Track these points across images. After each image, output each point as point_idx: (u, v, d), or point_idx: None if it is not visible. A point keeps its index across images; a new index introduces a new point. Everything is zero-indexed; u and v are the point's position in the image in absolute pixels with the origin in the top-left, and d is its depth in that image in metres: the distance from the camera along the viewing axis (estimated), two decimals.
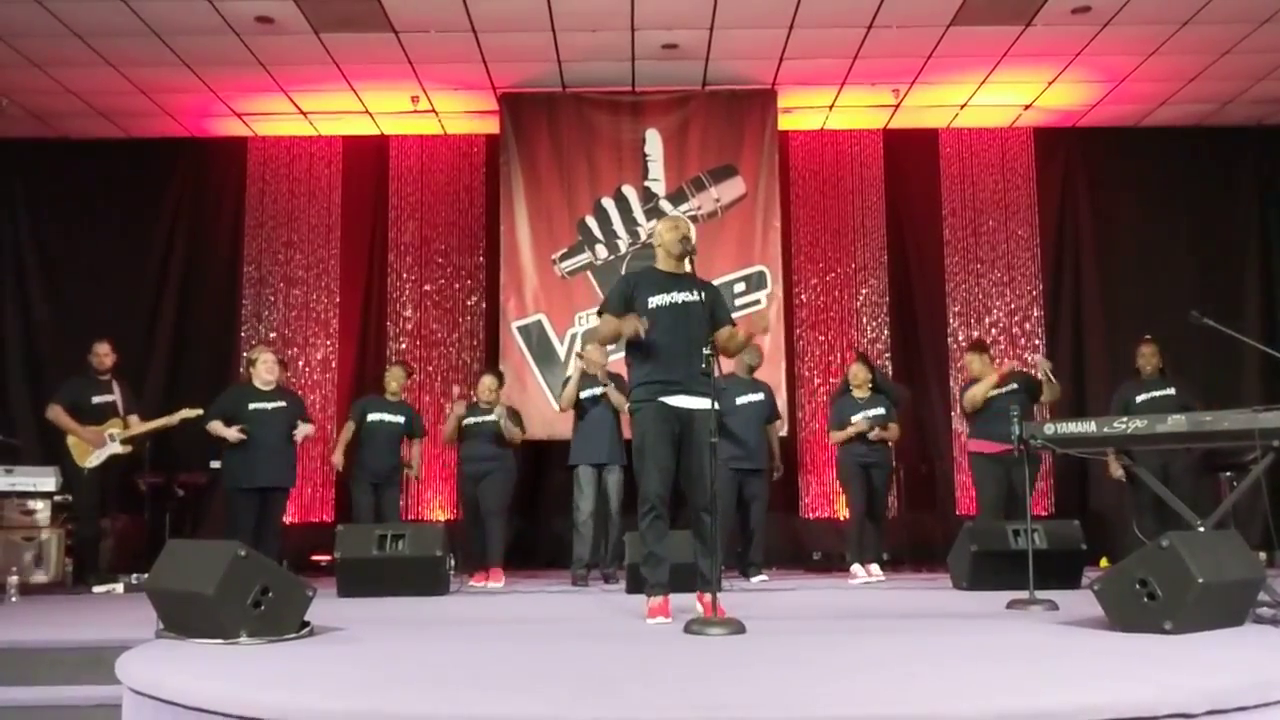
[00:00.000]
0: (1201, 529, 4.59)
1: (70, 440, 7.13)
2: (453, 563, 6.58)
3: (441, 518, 9.08)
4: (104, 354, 7.33)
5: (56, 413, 7.15)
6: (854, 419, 7.31)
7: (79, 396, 7.21)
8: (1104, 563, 7.90)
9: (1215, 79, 8.62)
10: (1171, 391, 7.16)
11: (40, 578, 7.19)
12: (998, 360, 7.87)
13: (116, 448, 7.18)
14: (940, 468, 9.32)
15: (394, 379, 7.70)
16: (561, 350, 9.02)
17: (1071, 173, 9.77)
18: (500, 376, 7.67)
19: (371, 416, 7.51)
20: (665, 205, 9.14)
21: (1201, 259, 9.43)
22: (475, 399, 7.43)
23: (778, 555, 8.67)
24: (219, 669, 3.17)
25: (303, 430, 7.18)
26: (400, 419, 7.57)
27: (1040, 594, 5.00)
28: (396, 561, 6.09)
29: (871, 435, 7.28)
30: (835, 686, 2.82)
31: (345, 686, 2.90)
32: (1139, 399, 7.20)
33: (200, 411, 7.12)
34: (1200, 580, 3.66)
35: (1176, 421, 4.75)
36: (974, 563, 6.16)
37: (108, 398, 7.28)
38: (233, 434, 6.87)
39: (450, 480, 9.12)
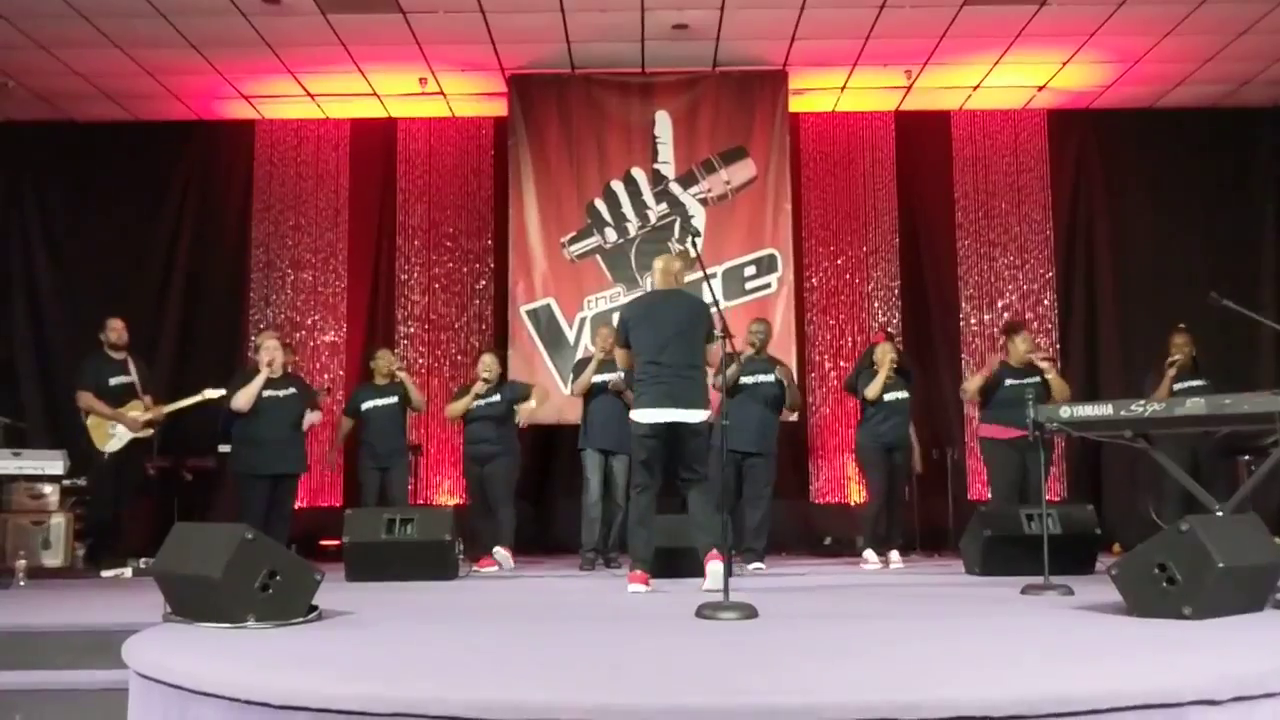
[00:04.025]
0: (1220, 513, 4.54)
1: (90, 422, 6.99)
2: (461, 547, 6.56)
3: (450, 502, 9.05)
4: (120, 329, 7.18)
5: (88, 399, 6.98)
6: (885, 397, 7.20)
7: (98, 379, 7.06)
8: (1116, 548, 7.84)
9: (1232, 59, 8.51)
10: (1205, 382, 7.04)
11: (49, 561, 7.16)
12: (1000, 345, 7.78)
13: (139, 431, 7.11)
14: (952, 453, 9.26)
15: (382, 361, 7.74)
16: (570, 334, 8.99)
17: (1085, 155, 9.68)
18: (502, 350, 7.66)
19: (365, 405, 7.63)
20: (675, 188, 9.08)
21: (1216, 242, 9.33)
22: (478, 378, 7.40)
23: (788, 540, 8.63)
24: (226, 653, 3.13)
25: (309, 419, 7.15)
26: (394, 399, 7.62)
27: (1054, 579, 4.95)
28: (405, 546, 6.05)
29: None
30: (851, 671, 2.77)
31: (354, 670, 2.87)
32: (1175, 387, 7.07)
33: (224, 391, 7.08)
34: (1220, 565, 3.60)
35: (1195, 404, 4.70)
36: (987, 548, 6.11)
37: (125, 379, 7.14)
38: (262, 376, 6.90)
39: (459, 464, 9.09)
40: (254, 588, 3.66)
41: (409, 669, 2.89)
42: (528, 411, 7.40)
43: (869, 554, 7.14)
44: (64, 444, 7.32)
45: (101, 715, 3.59)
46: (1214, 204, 9.41)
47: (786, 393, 7.11)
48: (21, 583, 6.10)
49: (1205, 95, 9.26)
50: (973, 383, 7.24)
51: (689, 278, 6.08)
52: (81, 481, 7.37)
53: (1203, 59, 8.55)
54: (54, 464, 6.94)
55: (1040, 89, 9.24)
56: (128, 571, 6.81)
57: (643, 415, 5.33)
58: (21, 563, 6.31)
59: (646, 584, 5.17)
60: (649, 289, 8.85)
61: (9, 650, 3.97)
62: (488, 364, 7.44)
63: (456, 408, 7.45)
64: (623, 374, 7.24)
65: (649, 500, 5.36)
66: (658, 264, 5.71)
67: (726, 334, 5.14)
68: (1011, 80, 9.07)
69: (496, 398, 7.34)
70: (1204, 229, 9.38)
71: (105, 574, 6.78)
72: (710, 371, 5.55)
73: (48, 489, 7.34)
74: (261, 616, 3.64)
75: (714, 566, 5.00)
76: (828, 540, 8.87)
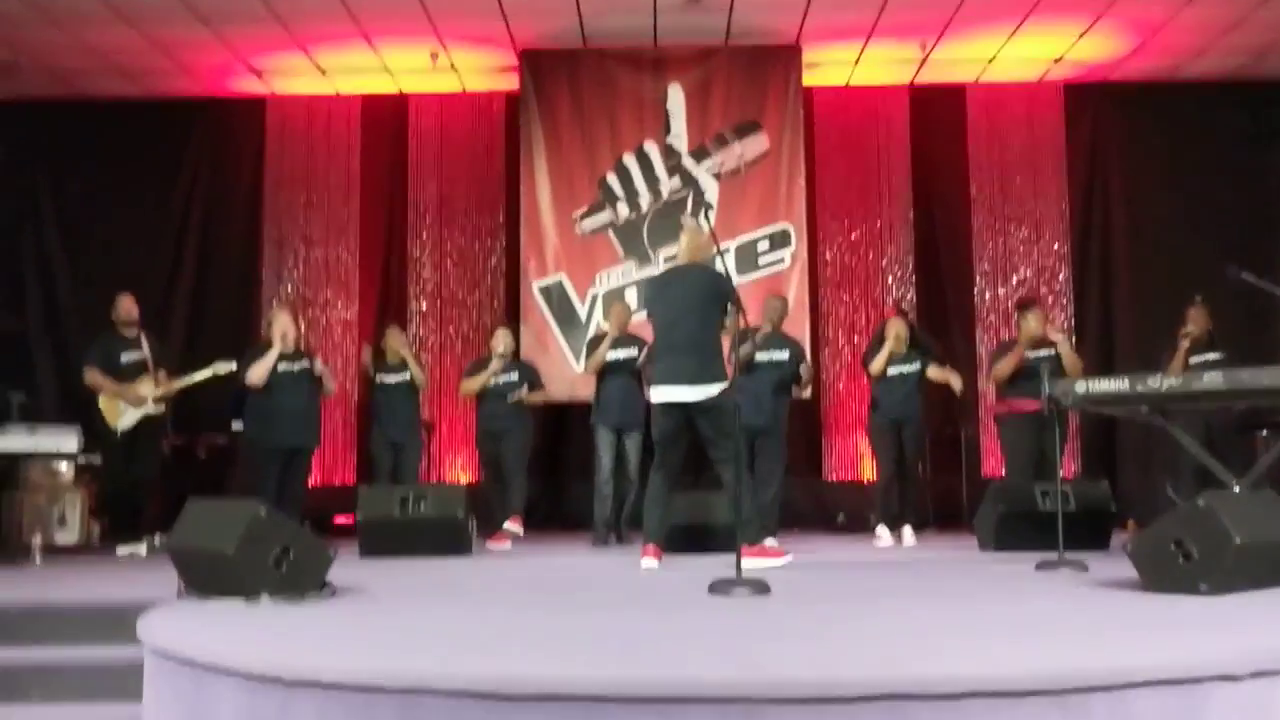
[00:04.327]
0: (1237, 489, 4.51)
1: (102, 401, 6.97)
2: (474, 524, 6.57)
3: (463, 479, 9.06)
4: (129, 306, 7.15)
5: (94, 376, 6.97)
6: (890, 371, 7.20)
7: (109, 356, 7.04)
8: (1130, 525, 7.79)
9: (1253, 29, 8.36)
10: (1221, 355, 6.96)
11: (64, 539, 7.19)
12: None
13: (149, 408, 7.10)
14: (966, 429, 9.22)
15: (392, 340, 7.67)
16: (582, 311, 8.96)
17: (1101, 128, 9.57)
18: (515, 327, 7.62)
19: (380, 378, 7.59)
20: (687, 162, 9.03)
21: (1234, 216, 9.20)
22: (494, 354, 7.38)
23: (801, 517, 8.60)
24: (240, 628, 3.14)
25: (320, 367, 7.14)
26: (406, 376, 7.55)
27: (1069, 555, 4.92)
28: (418, 522, 6.07)
29: (948, 381, 7.27)
30: (865, 647, 2.76)
31: (366, 646, 2.87)
32: (1190, 360, 6.98)
33: (234, 365, 7.08)
34: (1238, 540, 3.57)
35: (1213, 379, 4.66)
36: (1001, 524, 6.09)
37: (136, 355, 7.11)
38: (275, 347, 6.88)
39: (472, 442, 9.09)
40: (268, 564, 3.67)
41: (422, 645, 2.89)
42: (524, 396, 7.35)
43: (881, 531, 7.12)
44: (77, 421, 7.31)
45: (116, 691, 3.61)
46: (1233, 176, 9.28)
47: (803, 375, 7.11)
48: (37, 560, 6.13)
49: (1225, 67, 9.12)
50: (1004, 366, 7.08)
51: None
52: (97, 459, 7.38)
53: (1223, 29, 8.41)
54: (69, 441, 6.93)
55: (1056, 61, 9.13)
56: (142, 548, 6.81)
57: (653, 394, 5.36)
58: (37, 540, 6.34)
59: (659, 559, 5.17)
60: (661, 264, 8.86)
61: (25, 626, 4.01)
62: (502, 339, 7.41)
63: (472, 385, 7.39)
64: (637, 351, 7.24)
65: (662, 479, 5.35)
66: (683, 237, 5.65)
67: (739, 309, 5.12)
68: (1027, 53, 8.95)
69: (513, 376, 7.32)
70: (1222, 202, 9.24)
71: (120, 551, 6.80)
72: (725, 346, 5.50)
73: (63, 466, 7.35)
74: (275, 592, 3.65)
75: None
76: (840, 518, 8.84)
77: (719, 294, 5.33)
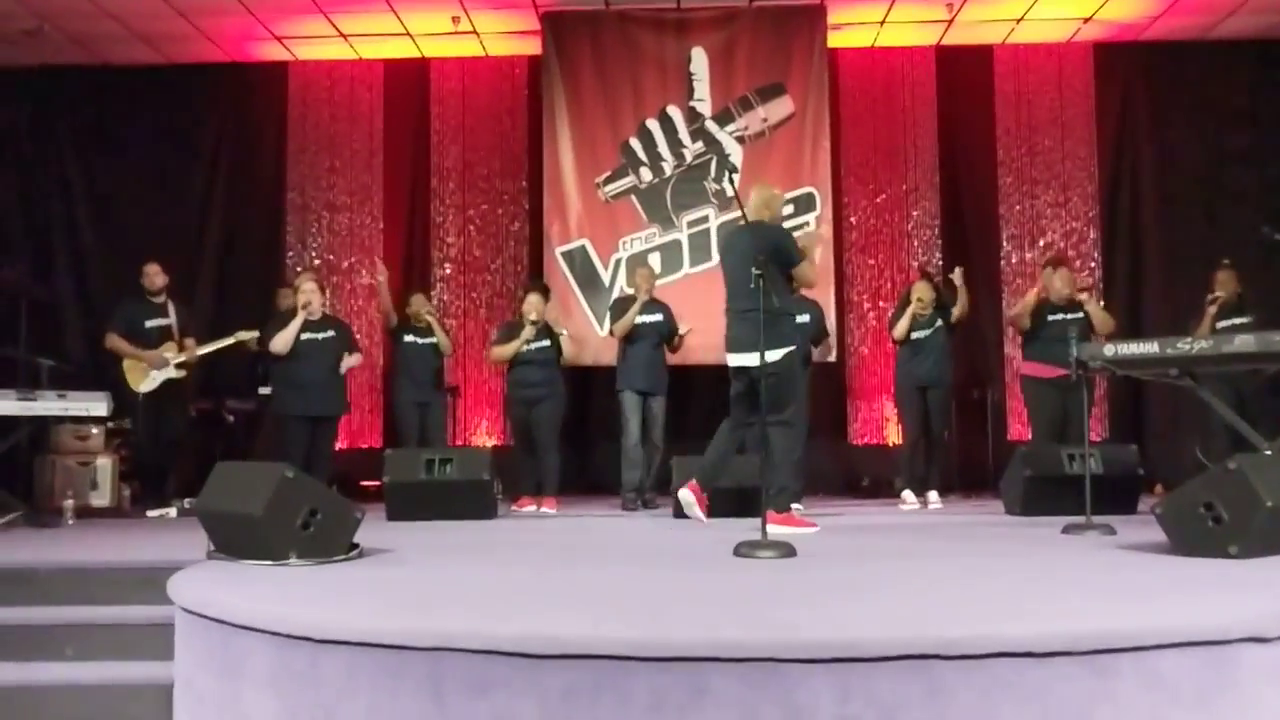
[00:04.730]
0: (1268, 452, 4.47)
1: (125, 364, 7.12)
2: (499, 487, 6.59)
3: (488, 443, 9.10)
4: (154, 274, 7.29)
5: (114, 340, 7.14)
6: (913, 335, 7.18)
7: (133, 321, 7.19)
8: (1158, 489, 7.75)
9: None
10: (1249, 319, 6.88)
11: (96, 502, 7.28)
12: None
13: (171, 372, 7.17)
14: (992, 393, 9.17)
15: (415, 305, 7.64)
16: (605, 276, 8.94)
17: (1132, 89, 9.43)
18: (545, 291, 7.55)
19: (406, 339, 7.57)
20: (711, 126, 8.96)
21: (1266, 177, 9.07)
22: (519, 318, 7.33)
23: (825, 481, 8.61)
24: (268, 589, 3.17)
25: (348, 362, 7.16)
26: (431, 339, 7.54)
27: (1096, 519, 4.89)
28: (444, 485, 6.11)
29: (964, 303, 7.18)
30: (892, 608, 2.75)
31: (394, 606, 2.89)
32: (1219, 325, 6.91)
33: (257, 334, 7.14)
34: (1269, 504, 3.54)
35: (1244, 341, 4.61)
36: (1027, 488, 6.06)
37: (162, 321, 7.26)
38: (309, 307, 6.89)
39: (497, 406, 9.12)
40: (295, 526, 3.69)
41: (448, 604, 2.91)
42: (566, 333, 7.34)
43: (907, 494, 7.11)
44: (106, 386, 7.37)
45: (148, 648, 3.66)
46: (1265, 138, 9.13)
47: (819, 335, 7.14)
48: (70, 522, 6.21)
49: (1259, 26, 8.93)
50: (1024, 304, 7.08)
51: (725, 217, 6.02)
52: (126, 424, 7.47)
53: None
54: (98, 405, 6.97)
55: (1086, 21, 8.98)
56: (172, 511, 6.90)
57: (728, 358, 5.47)
58: (69, 503, 6.43)
59: (695, 495, 5.34)
60: (685, 228, 8.85)
61: (60, 586, 4.06)
62: (534, 305, 7.17)
63: (504, 352, 7.19)
64: (662, 315, 7.24)
65: (730, 429, 5.51)
66: (752, 194, 5.60)
67: (778, 266, 5.14)
68: (1056, 13, 8.82)
69: (545, 342, 7.18)
70: (1254, 164, 9.11)
71: (150, 514, 6.89)
72: None
73: (93, 430, 7.45)
74: (303, 554, 3.68)
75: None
76: (865, 481, 8.83)
77: (758, 252, 5.17)
